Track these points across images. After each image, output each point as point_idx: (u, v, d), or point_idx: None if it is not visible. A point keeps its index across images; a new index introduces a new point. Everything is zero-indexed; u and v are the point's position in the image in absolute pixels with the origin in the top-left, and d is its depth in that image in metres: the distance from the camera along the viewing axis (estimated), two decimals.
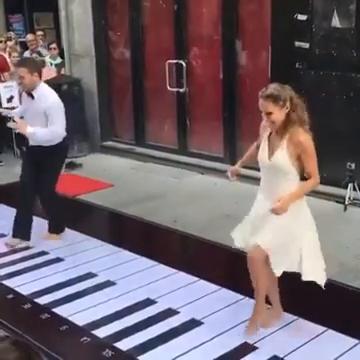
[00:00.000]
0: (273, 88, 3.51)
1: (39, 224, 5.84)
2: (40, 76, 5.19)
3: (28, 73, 5.05)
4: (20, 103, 5.57)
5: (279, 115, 3.49)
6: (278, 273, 3.61)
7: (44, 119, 5.08)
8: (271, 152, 3.57)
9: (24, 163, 5.47)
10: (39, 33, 9.87)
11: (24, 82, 5.11)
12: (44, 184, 5.33)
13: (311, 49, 6.27)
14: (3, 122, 7.84)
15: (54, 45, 8.96)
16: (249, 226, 3.73)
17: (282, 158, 3.50)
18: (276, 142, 3.56)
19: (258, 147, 3.74)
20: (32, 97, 5.16)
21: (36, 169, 5.27)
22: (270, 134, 3.63)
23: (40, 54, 9.29)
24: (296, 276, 4.31)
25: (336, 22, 6.00)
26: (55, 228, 5.55)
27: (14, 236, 5.42)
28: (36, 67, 5.24)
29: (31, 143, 5.30)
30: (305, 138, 3.49)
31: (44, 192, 5.39)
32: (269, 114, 3.48)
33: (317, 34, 6.20)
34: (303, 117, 3.54)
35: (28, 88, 5.15)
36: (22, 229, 5.39)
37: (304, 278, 3.59)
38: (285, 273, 3.82)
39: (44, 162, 5.23)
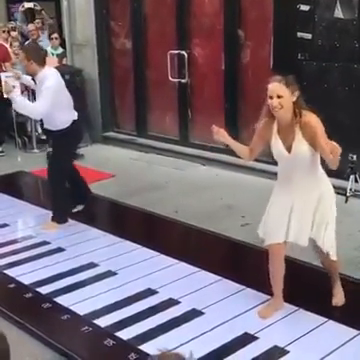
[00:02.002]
0: (287, 76, 3.55)
1: (41, 214, 5.87)
2: (40, 63, 5.25)
3: (25, 59, 5.27)
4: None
5: (288, 100, 3.49)
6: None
7: None
8: (287, 145, 3.57)
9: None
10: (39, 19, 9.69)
11: (25, 66, 5.45)
12: (52, 165, 5.56)
13: (313, 40, 6.24)
14: (5, 112, 7.87)
15: (55, 35, 8.92)
16: (294, 222, 3.67)
17: (302, 147, 3.52)
18: (288, 135, 3.56)
19: (252, 150, 3.85)
20: (35, 82, 5.43)
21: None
22: (278, 130, 3.62)
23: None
24: (297, 267, 4.33)
25: (339, 13, 5.97)
26: (56, 217, 5.55)
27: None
28: (34, 54, 5.27)
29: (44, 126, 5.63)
30: (311, 118, 3.50)
31: (50, 173, 5.54)
32: (279, 97, 3.48)
33: (319, 25, 6.16)
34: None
35: (29, 73, 5.47)
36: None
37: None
38: (286, 265, 3.84)
39: (54, 145, 5.55)
